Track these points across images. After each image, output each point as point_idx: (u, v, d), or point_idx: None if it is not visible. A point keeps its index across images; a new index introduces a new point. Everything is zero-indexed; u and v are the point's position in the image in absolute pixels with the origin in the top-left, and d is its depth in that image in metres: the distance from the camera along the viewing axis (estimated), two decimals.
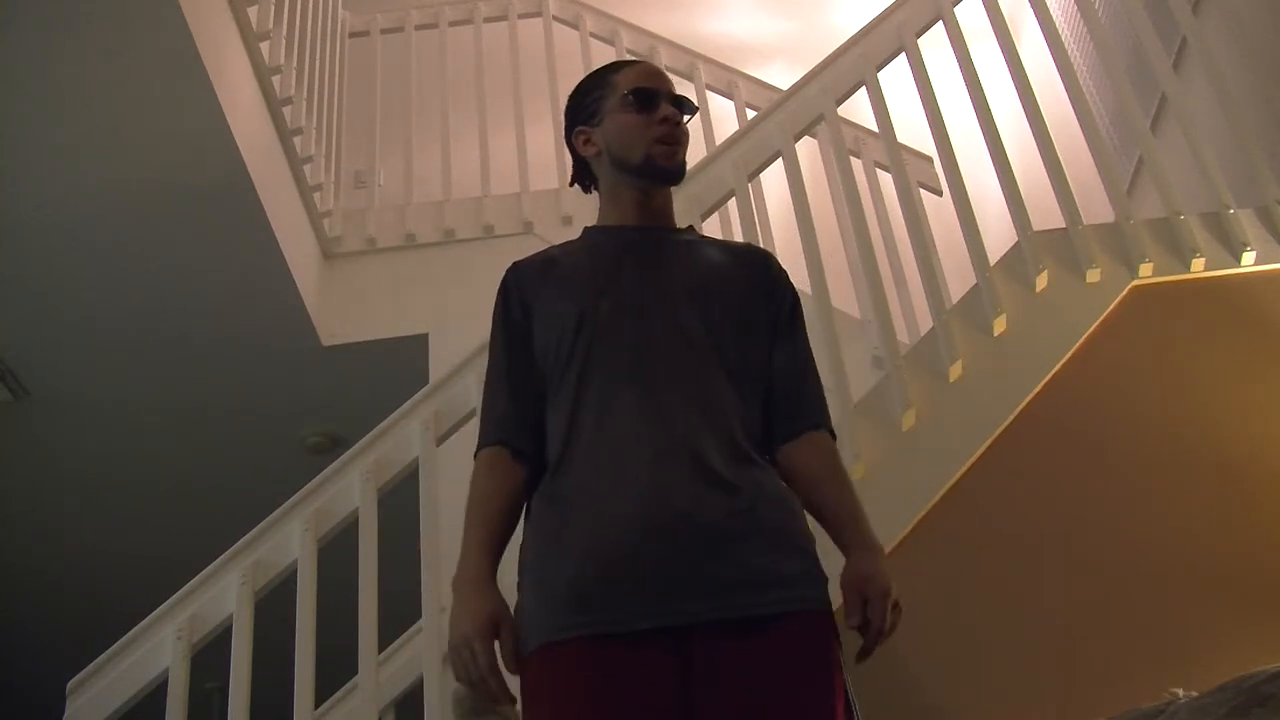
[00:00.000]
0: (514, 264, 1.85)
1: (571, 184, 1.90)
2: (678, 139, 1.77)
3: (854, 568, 1.64)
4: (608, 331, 1.69)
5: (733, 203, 3.19)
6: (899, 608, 1.63)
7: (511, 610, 1.61)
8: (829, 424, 1.78)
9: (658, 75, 1.84)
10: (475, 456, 1.73)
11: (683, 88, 4.45)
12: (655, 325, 1.69)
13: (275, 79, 3.84)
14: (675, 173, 1.79)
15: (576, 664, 1.51)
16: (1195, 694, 1.99)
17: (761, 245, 3.18)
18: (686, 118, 1.81)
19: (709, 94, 4.46)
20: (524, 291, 1.78)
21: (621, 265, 1.76)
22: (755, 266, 1.83)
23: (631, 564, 1.53)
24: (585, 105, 1.85)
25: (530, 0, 4.73)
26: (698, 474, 1.58)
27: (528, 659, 1.56)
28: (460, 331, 3.67)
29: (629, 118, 1.78)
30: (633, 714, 1.48)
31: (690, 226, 1.95)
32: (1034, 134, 3.09)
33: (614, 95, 1.81)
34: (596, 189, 1.87)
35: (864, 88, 3.20)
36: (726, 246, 1.90)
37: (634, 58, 1.95)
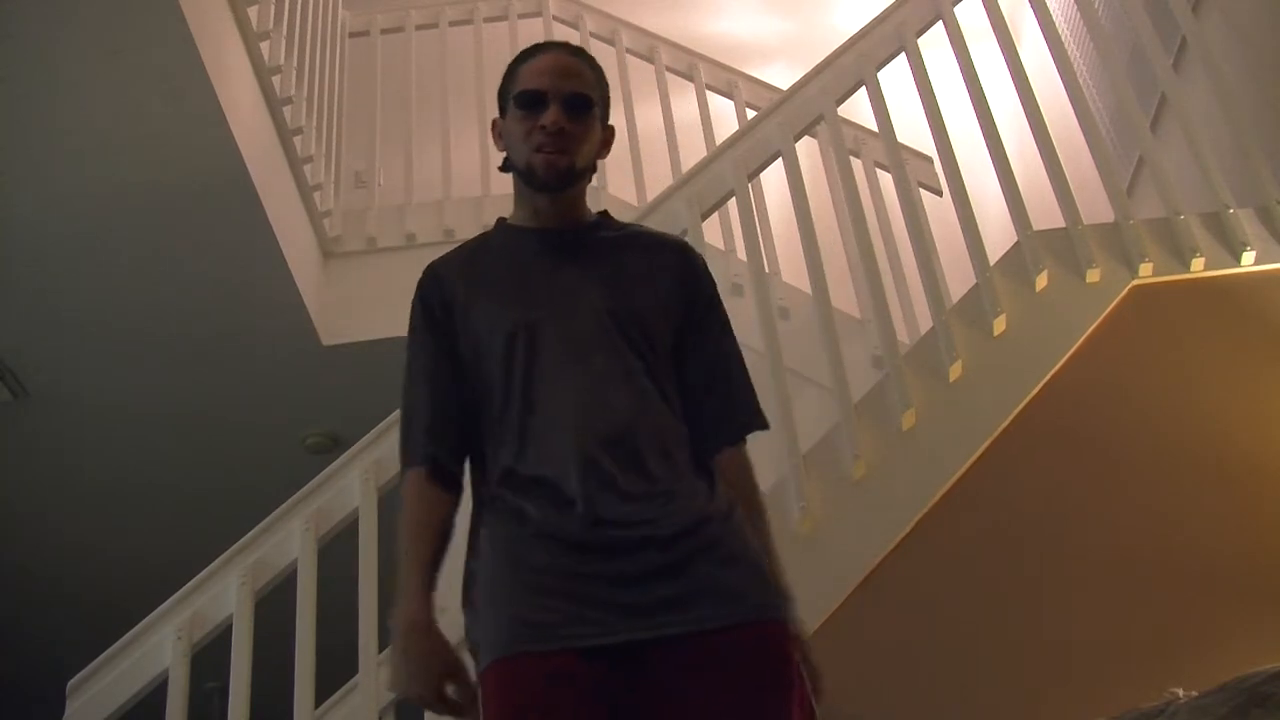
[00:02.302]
0: (430, 266, 1.79)
1: (502, 169, 1.79)
2: (558, 148, 1.67)
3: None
4: (537, 350, 1.65)
5: (733, 203, 3.19)
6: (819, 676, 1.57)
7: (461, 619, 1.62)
8: (752, 422, 1.73)
9: (550, 72, 1.71)
10: (402, 470, 1.70)
11: (683, 87, 4.51)
12: (580, 339, 1.66)
13: (275, 79, 3.84)
14: (551, 184, 1.69)
15: (528, 679, 1.50)
16: (1195, 694, 2.00)
17: (761, 244, 3.19)
18: (573, 122, 1.68)
19: (709, 94, 4.46)
20: (445, 294, 1.73)
21: (538, 274, 1.71)
22: (672, 260, 1.77)
23: (582, 582, 1.53)
24: (500, 95, 1.77)
25: (530, 0, 4.74)
26: (640, 490, 1.57)
27: (483, 674, 1.54)
28: None
29: (515, 121, 1.70)
30: None
31: (604, 212, 1.86)
32: (1034, 134, 3.09)
33: (511, 92, 1.74)
34: None
35: (864, 88, 3.20)
36: (642, 240, 1.83)
37: (543, 43, 1.85)
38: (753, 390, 1.77)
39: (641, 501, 1.57)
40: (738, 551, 1.59)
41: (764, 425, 1.76)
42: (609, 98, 1.80)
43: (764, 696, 1.50)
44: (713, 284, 1.79)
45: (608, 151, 1.80)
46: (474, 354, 1.69)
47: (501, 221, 1.83)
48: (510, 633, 1.53)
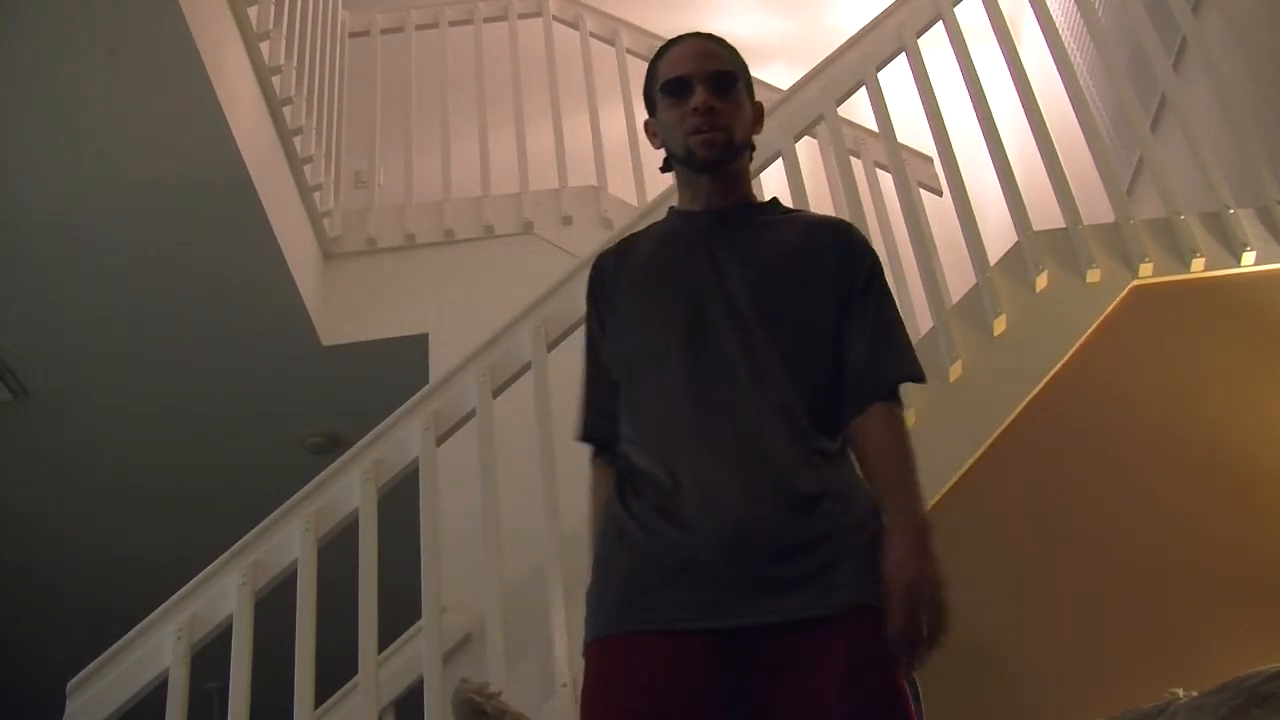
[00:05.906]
0: (597, 258, 1.85)
1: (662, 170, 1.86)
2: (712, 126, 1.71)
3: (885, 559, 1.55)
4: (671, 332, 1.67)
5: None
6: (941, 607, 1.52)
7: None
8: (907, 374, 1.71)
9: (690, 58, 1.78)
10: (582, 441, 1.80)
11: None
12: (718, 320, 1.66)
13: (275, 79, 3.84)
14: (712, 162, 1.73)
15: (625, 657, 1.52)
16: (1195, 694, 1.99)
17: None
18: (721, 100, 1.73)
19: None
20: (604, 287, 1.80)
21: (689, 256, 1.73)
22: (830, 239, 1.76)
23: (687, 565, 1.53)
24: (647, 97, 1.85)
25: (530, 0, 4.74)
26: (758, 478, 1.56)
27: (586, 650, 1.58)
28: (460, 331, 3.67)
29: (667, 111, 1.76)
30: (678, 709, 1.48)
31: (774, 199, 1.88)
32: (1034, 134, 3.09)
33: (656, 87, 1.81)
34: None
35: (864, 88, 3.20)
36: (803, 222, 1.83)
37: (678, 36, 1.88)
38: (910, 352, 1.73)
39: (757, 489, 1.55)
40: (851, 535, 1.57)
41: (919, 376, 1.73)
42: (750, 75, 1.84)
43: (870, 684, 1.50)
44: (874, 259, 1.77)
45: (760, 127, 1.84)
46: (614, 350, 1.75)
47: (670, 211, 1.86)
48: (609, 613, 1.59)
